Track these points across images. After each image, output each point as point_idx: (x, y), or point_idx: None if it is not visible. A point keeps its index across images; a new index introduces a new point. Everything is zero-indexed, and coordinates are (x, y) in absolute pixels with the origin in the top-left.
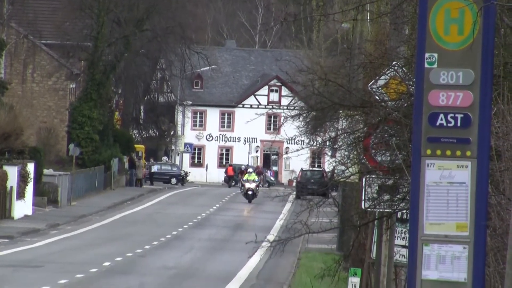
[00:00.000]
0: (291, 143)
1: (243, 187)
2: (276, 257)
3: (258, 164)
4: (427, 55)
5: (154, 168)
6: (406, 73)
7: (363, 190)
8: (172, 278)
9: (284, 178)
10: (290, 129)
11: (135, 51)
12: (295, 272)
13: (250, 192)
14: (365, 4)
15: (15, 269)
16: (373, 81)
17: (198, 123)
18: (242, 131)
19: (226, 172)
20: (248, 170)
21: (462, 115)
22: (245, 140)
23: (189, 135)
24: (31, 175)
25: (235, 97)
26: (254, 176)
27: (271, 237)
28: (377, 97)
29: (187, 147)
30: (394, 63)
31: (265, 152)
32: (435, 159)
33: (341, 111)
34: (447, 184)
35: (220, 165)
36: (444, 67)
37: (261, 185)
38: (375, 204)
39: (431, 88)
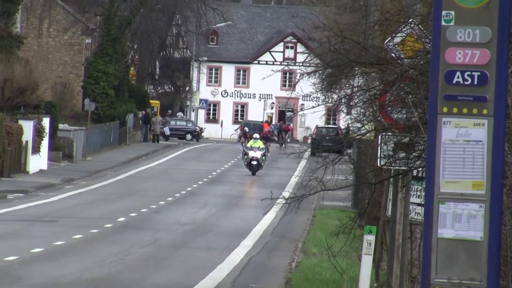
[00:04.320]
0: (307, 100)
1: (246, 156)
2: (291, 214)
3: (266, 121)
4: (444, 12)
5: (167, 129)
6: (422, 30)
7: (379, 147)
8: (186, 234)
9: (299, 135)
10: (306, 86)
11: (151, 6)
12: (309, 229)
13: (254, 162)
14: None
15: (30, 224)
16: (389, 38)
17: (213, 79)
18: (258, 87)
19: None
20: (254, 136)
21: (479, 73)
22: (260, 97)
23: (204, 91)
24: (47, 130)
25: (251, 53)
26: (259, 143)
27: (286, 194)
28: (393, 55)
29: (202, 103)
30: (410, 20)
31: (280, 108)
32: (452, 117)
33: (357, 68)
34: (464, 142)
35: (235, 121)
36: (461, 24)
37: (284, 144)
38: (391, 161)
39: (448, 46)
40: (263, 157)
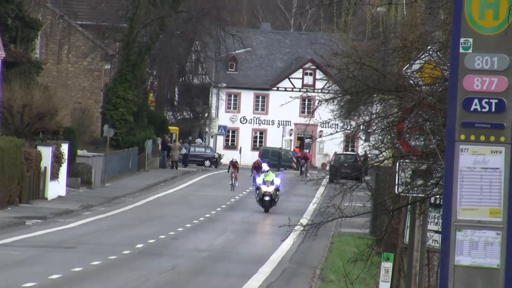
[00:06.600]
0: (325, 127)
1: (257, 191)
2: (309, 241)
3: (297, 147)
4: (462, 39)
5: (184, 151)
6: (441, 57)
7: (397, 174)
8: (204, 260)
9: (318, 161)
10: (324, 112)
11: (170, 33)
12: (327, 256)
13: (267, 198)
14: None
15: (48, 250)
16: (407, 65)
17: (232, 106)
18: (276, 114)
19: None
20: (263, 169)
21: (496, 100)
22: (279, 123)
23: (223, 118)
24: (65, 156)
25: (270, 80)
26: (272, 176)
27: (304, 220)
28: (411, 82)
29: (221, 129)
30: (429, 47)
31: (299, 135)
32: (469, 144)
33: (375, 95)
34: (481, 170)
35: (254, 147)
36: (479, 52)
37: (307, 173)
38: (409, 188)
39: (465, 73)
40: (277, 192)
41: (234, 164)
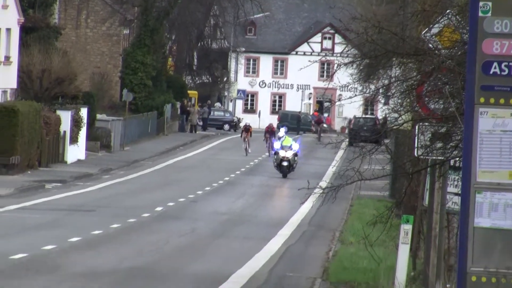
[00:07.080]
0: (344, 91)
1: (275, 156)
2: (328, 204)
3: (316, 110)
4: (481, 3)
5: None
6: (460, 21)
7: (416, 137)
8: (224, 223)
9: (337, 125)
10: (343, 76)
11: None
12: (347, 219)
13: (285, 163)
14: None
15: (68, 213)
16: (426, 29)
17: (251, 70)
18: (295, 78)
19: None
20: (279, 135)
21: None
22: (298, 87)
23: (242, 82)
24: (84, 120)
25: (288, 44)
26: (290, 141)
27: (323, 183)
28: (430, 45)
29: (240, 93)
30: (448, 11)
31: (318, 99)
32: (489, 107)
33: (394, 59)
34: (500, 132)
35: (273, 111)
36: (498, 15)
37: (320, 137)
38: (428, 151)
39: (485, 37)
40: (295, 158)
41: (247, 129)
